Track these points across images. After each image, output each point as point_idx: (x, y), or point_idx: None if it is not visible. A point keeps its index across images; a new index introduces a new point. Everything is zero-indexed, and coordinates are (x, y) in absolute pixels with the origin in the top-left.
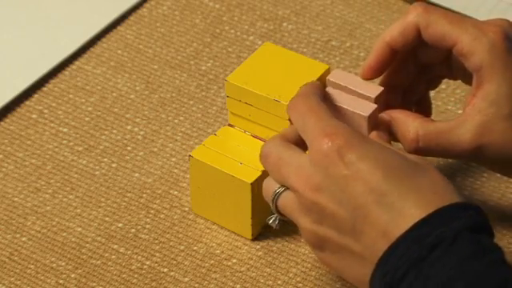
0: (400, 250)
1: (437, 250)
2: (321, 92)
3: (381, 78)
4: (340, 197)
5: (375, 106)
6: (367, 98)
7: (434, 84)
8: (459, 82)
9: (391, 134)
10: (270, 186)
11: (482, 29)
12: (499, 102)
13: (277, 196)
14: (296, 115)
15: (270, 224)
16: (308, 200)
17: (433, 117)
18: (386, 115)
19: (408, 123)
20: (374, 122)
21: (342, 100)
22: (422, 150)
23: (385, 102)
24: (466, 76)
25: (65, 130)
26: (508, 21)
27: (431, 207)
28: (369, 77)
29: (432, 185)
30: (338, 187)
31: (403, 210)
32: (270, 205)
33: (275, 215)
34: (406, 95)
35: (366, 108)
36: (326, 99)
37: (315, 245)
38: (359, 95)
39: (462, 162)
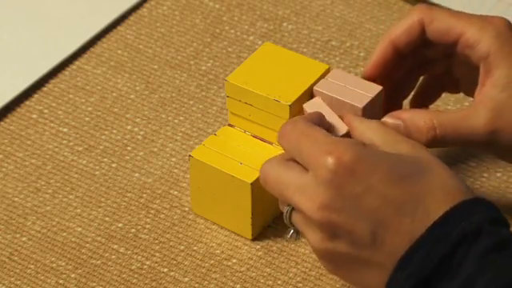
0: (424, 249)
1: (462, 245)
2: (309, 116)
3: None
4: (356, 214)
5: (370, 96)
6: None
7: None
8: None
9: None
10: (283, 204)
11: (486, 19)
12: (510, 86)
13: (288, 213)
14: (288, 143)
15: (289, 239)
16: (318, 219)
17: None
18: (392, 119)
19: (421, 116)
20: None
21: (335, 94)
22: (439, 139)
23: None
24: (465, 71)
25: (65, 130)
26: (507, 19)
27: (448, 205)
28: (371, 75)
29: (442, 184)
30: (352, 205)
31: (424, 212)
32: (285, 221)
33: (292, 230)
34: (396, 90)
35: (362, 99)
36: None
37: (327, 260)
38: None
39: (462, 162)
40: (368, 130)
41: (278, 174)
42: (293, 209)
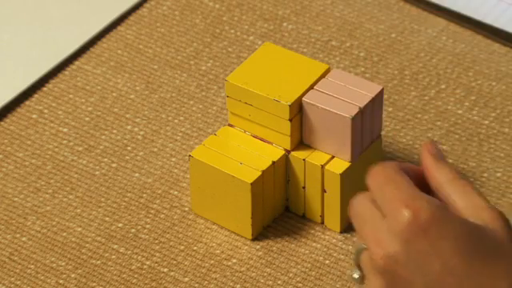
0: None
1: None
2: (404, 166)
3: None
4: (417, 271)
5: (370, 96)
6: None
7: None
8: (459, 81)
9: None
10: (358, 242)
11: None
12: None
13: (359, 252)
14: (374, 184)
15: (351, 279)
16: (382, 266)
17: (433, 117)
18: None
19: None
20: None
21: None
22: None
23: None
24: None
25: (65, 130)
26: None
27: None
28: None
29: (508, 270)
30: (416, 262)
31: None
32: (353, 259)
33: (357, 273)
34: None
35: (362, 99)
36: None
37: None
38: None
39: (462, 162)
40: (449, 187)
41: (363, 210)
42: (363, 249)
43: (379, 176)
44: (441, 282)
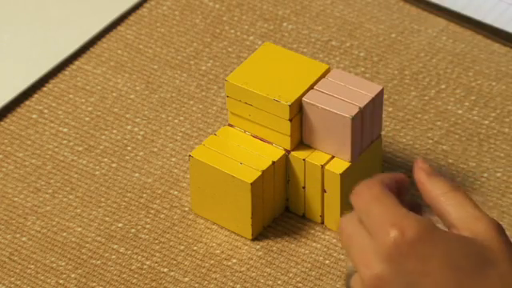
0: None
1: None
2: (387, 181)
3: None
4: None
5: (370, 96)
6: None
7: None
8: (459, 81)
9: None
10: (349, 262)
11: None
12: None
13: (350, 275)
14: (360, 203)
15: None
16: (370, 286)
17: (433, 117)
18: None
19: None
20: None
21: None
22: None
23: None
24: None
25: (65, 130)
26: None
27: None
28: None
29: (503, 284)
30: (405, 282)
31: None
32: (345, 283)
33: None
34: None
35: (362, 99)
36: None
37: None
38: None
39: (462, 162)
40: (443, 199)
41: (351, 230)
42: (354, 273)
43: (364, 196)
44: None
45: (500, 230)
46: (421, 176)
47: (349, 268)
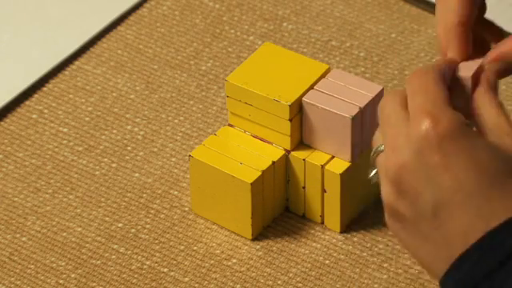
0: (474, 258)
1: (510, 261)
2: (445, 69)
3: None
4: (427, 183)
5: (370, 96)
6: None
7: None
8: None
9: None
10: (377, 139)
11: None
12: None
13: (376, 153)
14: (409, 89)
15: (370, 178)
16: (392, 174)
17: None
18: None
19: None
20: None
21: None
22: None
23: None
24: None
25: (65, 130)
26: None
27: None
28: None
29: None
30: (426, 173)
31: (487, 215)
32: (371, 157)
33: (374, 171)
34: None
35: (362, 99)
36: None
37: (392, 215)
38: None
39: None
40: (483, 106)
41: (391, 111)
42: (381, 151)
43: (415, 81)
44: (449, 197)
45: None
46: (484, 83)
47: (376, 143)
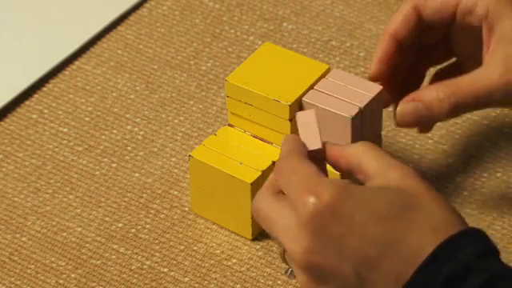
0: None
1: None
2: (300, 147)
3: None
4: (339, 255)
5: (370, 96)
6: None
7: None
8: None
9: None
10: (278, 242)
11: None
12: None
13: (282, 252)
14: (280, 178)
15: (288, 277)
16: (301, 263)
17: None
18: (408, 103)
19: (433, 89)
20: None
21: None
22: (460, 105)
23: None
24: (465, 48)
25: (65, 130)
26: None
27: (436, 242)
28: (377, 72)
29: (429, 220)
30: (334, 246)
31: (408, 255)
32: (280, 257)
33: (290, 268)
34: (405, 79)
35: (362, 99)
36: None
37: None
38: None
39: (462, 162)
40: (359, 155)
41: (269, 210)
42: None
43: (284, 170)
44: (365, 255)
45: (414, 173)
46: (333, 148)
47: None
